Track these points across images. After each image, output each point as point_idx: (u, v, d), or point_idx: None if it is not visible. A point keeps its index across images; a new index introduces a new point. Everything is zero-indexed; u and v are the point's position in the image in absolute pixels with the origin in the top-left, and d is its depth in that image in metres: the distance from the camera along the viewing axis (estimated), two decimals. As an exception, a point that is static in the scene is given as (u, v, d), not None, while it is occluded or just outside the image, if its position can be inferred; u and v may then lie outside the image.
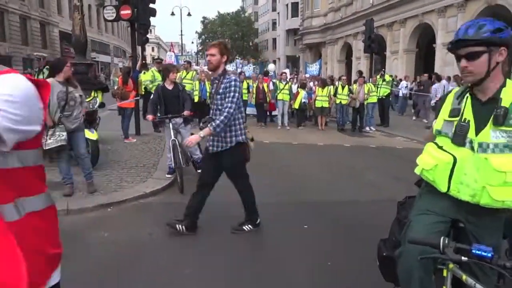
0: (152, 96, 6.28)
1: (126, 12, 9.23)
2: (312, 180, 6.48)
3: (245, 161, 4.30)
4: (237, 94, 3.86)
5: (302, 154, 8.89)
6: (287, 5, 49.55)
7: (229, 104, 3.81)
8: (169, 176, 5.88)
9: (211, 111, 4.06)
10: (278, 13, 53.92)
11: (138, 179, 5.71)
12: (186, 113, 5.88)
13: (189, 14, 48.73)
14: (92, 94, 6.68)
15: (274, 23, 59.13)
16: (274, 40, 58.86)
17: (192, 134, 6.54)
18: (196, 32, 69.27)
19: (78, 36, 8.22)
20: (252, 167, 7.47)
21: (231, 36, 63.12)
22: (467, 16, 18.74)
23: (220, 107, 3.89)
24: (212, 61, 3.90)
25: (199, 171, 6.07)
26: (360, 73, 18.07)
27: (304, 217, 4.66)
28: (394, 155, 9.21)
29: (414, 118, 15.67)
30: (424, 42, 24.81)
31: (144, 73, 12.34)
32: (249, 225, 4.29)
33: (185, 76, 12.42)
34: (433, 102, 14.23)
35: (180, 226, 4.07)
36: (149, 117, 6.03)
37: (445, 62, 20.38)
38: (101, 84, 7.77)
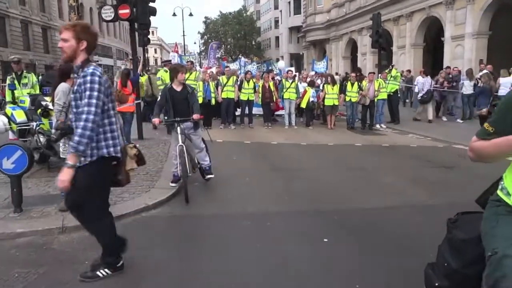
0: (159, 98, 5.80)
1: (124, 11, 8.85)
2: (326, 184, 6.05)
3: (116, 184, 3.28)
4: (96, 93, 2.77)
5: (312, 156, 8.47)
6: (289, 2, 49.01)
7: (86, 109, 2.73)
8: (173, 185, 5.48)
9: (71, 118, 3.03)
10: (280, 11, 53.40)
11: (140, 189, 5.32)
12: (195, 116, 5.45)
13: (190, 15, 48.38)
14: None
15: (276, 21, 58.69)
16: (277, 38, 58.40)
17: (203, 140, 6.19)
18: (199, 32, 69.10)
19: (75, 38, 7.84)
20: (260, 171, 7.14)
21: (233, 36, 62.82)
22: (476, 8, 18.23)
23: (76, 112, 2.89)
24: (64, 49, 2.89)
25: (209, 176, 5.70)
26: (359, 70, 17.56)
27: (322, 229, 4.24)
28: (408, 154, 8.75)
29: (444, 119, 13.94)
30: (432, 35, 24.23)
31: (143, 75, 11.97)
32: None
33: (188, 77, 12.00)
34: (420, 95, 14.01)
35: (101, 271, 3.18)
36: (155, 120, 5.62)
37: (454, 55, 19.86)
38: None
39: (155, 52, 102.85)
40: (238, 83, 12.48)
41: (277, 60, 45.58)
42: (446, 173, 6.89)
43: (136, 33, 10.12)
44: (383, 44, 14.69)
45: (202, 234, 4.15)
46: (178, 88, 5.58)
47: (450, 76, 14.08)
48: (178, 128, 5.39)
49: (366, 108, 12.38)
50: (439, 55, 22.34)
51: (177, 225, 4.41)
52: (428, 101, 13.59)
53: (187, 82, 12.07)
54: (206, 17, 67.40)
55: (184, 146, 5.34)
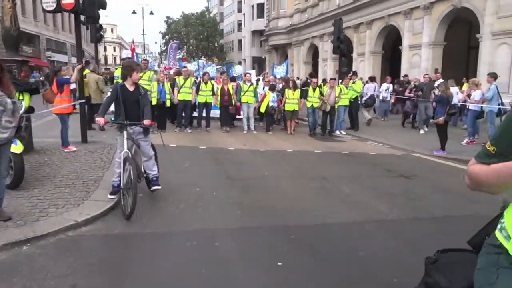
0: (108, 95, 5.00)
1: (68, 1, 8.02)
2: (283, 196, 5.62)
3: None
4: None
5: (270, 163, 8.04)
6: (252, 6, 48.89)
7: None
8: (112, 197, 4.82)
9: None
10: (244, 14, 53.15)
11: (71, 202, 4.63)
12: (146, 122, 4.81)
13: (151, 13, 47.31)
14: (17, 96, 5.50)
15: (239, 24, 58.40)
16: (240, 41, 58.10)
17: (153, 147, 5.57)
18: (160, 32, 67.43)
19: (8, 29, 6.98)
20: (213, 180, 6.59)
21: (195, 37, 61.82)
22: (433, 18, 18.71)
23: None
24: None
25: (155, 188, 5.09)
26: (310, 75, 17.50)
27: (278, 250, 3.78)
28: (368, 162, 8.56)
29: (422, 131, 12.65)
30: (390, 44, 24.77)
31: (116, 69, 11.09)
32: None
33: (142, 77, 11.24)
34: (364, 99, 14.76)
35: None
36: (100, 120, 4.80)
37: (411, 64, 20.30)
38: (28, 85, 6.54)
39: (114, 50, 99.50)
40: (196, 84, 11.87)
41: (239, 63, 45.15)
42: (406, 183, 6.69)
43: (87, 28, 9.25)
44: (344, 50, 14.62)
45: (138, 258, 3.56)
46: (131, 88, 4.93)
47: (413, 84, 14.22)
48: (125, 133, 4.75)
49: (326, 114, 12.18)
50: (396, 63, 22.84)
51: (109, 247, 3.79)
52: (371, 105, 14.52)
53: (140, 82, 11.46)
54: (168, 17, 66.00)
55: (129, 153, 4.71)
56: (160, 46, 67.65)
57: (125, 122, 4.72)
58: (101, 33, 15.23)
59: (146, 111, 4.88)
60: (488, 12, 15.47)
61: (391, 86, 16.04)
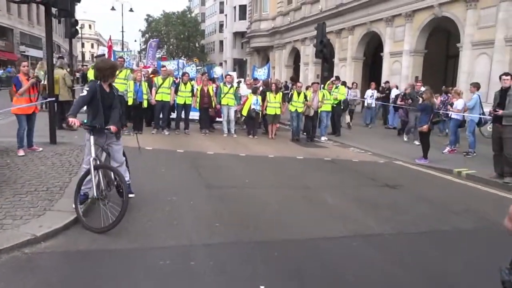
0: (84, 94, 4.37)
1: (38, -8, 7.47)
2: (265, 207, 5.30)
3: None
4: None
5: (251, 170, 7.71)
6: (234, 7, 48.60)
7: None
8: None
9: None
10: (226, 15, 52.78)
11: (31, 212, 4.16)
12: (113, 128, 4.35)
13: (131, 10, 46.17)
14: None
15: (221, 25, 58.05)
16: (221, 42, 57.70)
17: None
18: (140, 30, 66.19)
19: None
20: (190, 188, 6.18)
21: (176, 36, 60.98)
22: (414, 27, 18.84)
23: None
24: None
25: (131, 195, 4.68)
26: (292, 79, 17.32)
27: (259, 270, 3.45)
28: (351, 169, 8.35)
29: (405, 138, 12.35)
30: (371, 50, 24.89)
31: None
32: None
33: (117, 75, 10.73)
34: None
35: None
36: (73, 120, 4.13)
37: (392, 71, 20.40)
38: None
39: (92, 47, 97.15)
40: (175, 85, 11.42)
41: (220, 64, 44.75)
42: (390, 194, 6.49)
43: (59, 22, 8.67)
44: (327, 55, 14.46)
45: (104, 279, 3.16)
46: (107, 89, 4.48)
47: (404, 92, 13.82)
48: (92, 138, 4.30)
49: (310, 119, 11.93)
50: (377, 69, 22.96)
51: (70, 266, 3.37)
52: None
53: (116, 81, 10.88)
54: (148, 15, 65.03)
55: (97, 160, 4.29)
56: (140, 44, 66.52)
57: (97, 126, 4.30)
58: (77, 28, 14.59)
59: (114, 115, 4.46)
60: (469, 22, 15.65)
61: (375, 92, 15.94)
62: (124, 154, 5.18)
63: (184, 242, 3.93)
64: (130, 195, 4.65)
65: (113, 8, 45.60)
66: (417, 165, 9.13)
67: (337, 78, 15.32)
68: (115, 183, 4.76)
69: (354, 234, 4.46)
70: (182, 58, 48.70)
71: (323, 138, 12.30)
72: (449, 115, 10.66)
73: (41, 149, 6.91)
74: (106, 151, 4.55)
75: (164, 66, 12.07)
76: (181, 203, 5.18)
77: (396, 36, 20.03)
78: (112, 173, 4.47)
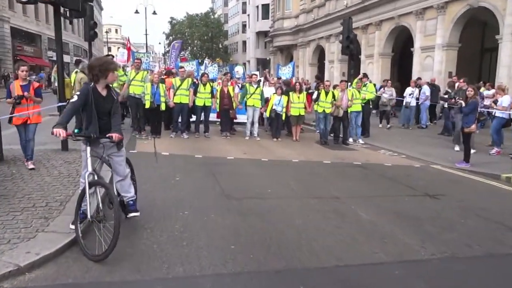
0: (74, 99, 3.81)
1: (46, -8, 7.09)
2: (288, 223, 4.64)
3: None
4: None
5: (273, 177, 7.06)
6: (257, 7, 48.04)
7: None
8: (74, 227, 3.82)
9: None
10: (248, 15, 52.32)
11: (22, 234, 3.66)
12: (115, 136, 3.75)
13: (154, 13, 46.41)
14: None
15: (244, 26, 57.70)
16: (244, 42, 57.33)
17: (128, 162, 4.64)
18: (164, 33, 66.74)
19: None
20: (206, 199, 5.26)
21: (199, 38, 61.02)
22: (447, 19, 17.68)
23: None
24: None
25: (132, 215, 4.11)
26: (317, 78, 16.31)
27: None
28: (384, 176, 7.57)
29: (457, 148, 9.85)
30: (399, 45, 23.73)
31: (76, 72, 10.12)
32: None
33: (134, 77, 10.35)
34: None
35: None
36: (57, 131, 3.52)
37: (423, 67, 19.27)
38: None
39: (118, 50, 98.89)
40: (194, 86, 10.92)
41: (244, 64, 44.32)
42: (432, 205, 5.69)
43: (70, 23, 8.30)
44: (354, 51, 13.61)
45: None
46: (103, 92, 3.87)
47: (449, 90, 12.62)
48: (88, 149, 3.77)
49: (339, 120, 11.13)
50: (406, 65, 21.80)
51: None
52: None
53: (133, 83, 10.53)
54: (172, 18, 65.40)
55: (95, 175, 3.75)
56: (164, 47, 66.99)
57: (92, 135, 3.74)
58: (95, 31, 14.32)
59: (115, 121, 3.88)
60: (509, 11, 14.43)
61: (416, 90, 14.53)
62: (130, 165, 4.65)
63: (192, 271, 3.33)
64: (134, 214, 4.07)
65: (137, 11, 45.97)
66: (457, 170, 8.25)
67: (365, 75, 14.41)
68: (119, 199, 4.21)
69: (395, 259, 3.75)
70: (206, 59, 48.61)
71: (351, 140, 11.49)
72: (493, 113, 9.64)
73: (32, 166, 6.20)
74: (107, 163, 4.01)
75: (182, 67, 11.56)
76: (194, 218, 4.60)
77: (427, 29, 18.88)
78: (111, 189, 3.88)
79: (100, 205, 3.59)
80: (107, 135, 3.73)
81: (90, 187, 3.62)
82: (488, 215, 5.26)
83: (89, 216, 3.55)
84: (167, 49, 60.92)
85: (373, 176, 7.57)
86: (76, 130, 3.71)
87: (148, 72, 11.12)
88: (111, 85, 3.99)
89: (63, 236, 3.65)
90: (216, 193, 5.72)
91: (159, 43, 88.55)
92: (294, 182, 6.70)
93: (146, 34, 47.12)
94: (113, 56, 10.90)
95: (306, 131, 13.50)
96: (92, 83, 3.81)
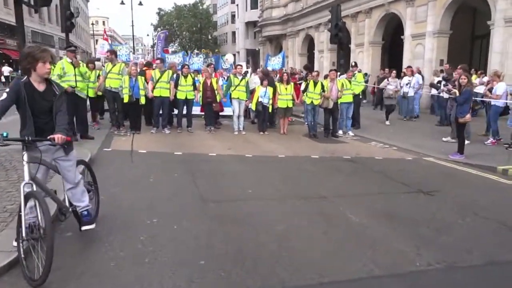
0: (3, 97, 3.19)
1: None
2: (270, 230, 4.16)
3: None
4: None
5: (257, 175, 6.58)
6: (246, -4, 47.19)
7: None
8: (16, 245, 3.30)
9: None
10: (237, 5, 51.41)
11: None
12: (57, 137, 3.13)
13: (140, 4, 45.35)
14: None
15: (233, 16, 56.82)
16: (234, 33, 56.52)
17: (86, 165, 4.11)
18: (152, 24, 65.38)
19: None
20: (180, 203, 4.73)
21: (188, 29, 59.93)
22: (438, 5, 17.22)
23: None
24: None
25: (86, 227, 3.60)
26: (306, 68, 15.51)
27: None
28: (375, 170, 7.13)
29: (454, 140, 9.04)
30: (389, 33, 23.26)
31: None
32: None
33: (111, 70, 9.73)
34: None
35: None
36: None
37: (414, 55, 18.84)
38: None
39: (97, 43, 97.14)
40: (174, 79, 10.34)
41: (234, 55, 43.51)
42: (426, 203, 5.27)
43: (36, 12, 7.64)
44: (342, 39, 13.13)
45: None
46: (40, 87, 3.28)
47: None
48: (26, 155, 3.18)
49: (329, 112, 10.65)
50: (396, 54, 21.36)
51: None
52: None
53: (109, 75, 9.91)
54: (159, 9, 64.16)
55: (34, 185, 3.20)
56: (152, 38, 65.69)
57: (26, 138, 3.18)
58: (72, 21, 13.61)
59: (59, 120, 3.32)
60: (501, -4, 14.00)
61: (414, 79, 13.61)
62: (89, 169, 4.14)
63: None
64: (87, 227, 3.55)
65: (122, 2, 44.86)
66: (451, 162, 7.86)
67: (355, 64, 13.90)
68: (70, 210, 3.67)
69: (388, 272, 3.30)
70: (196, 50, 47.68)
71: (340, 132, 11.04)
72: (489, 102, 9.23)
73: None
74: (55, 169, 3.48)
75: (159, 58, 10.96)
76: (163, 227, 4.10)
77: (418, 16, 18.41)
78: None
79: (40, 219, 3.03)
80: (48, 137, 3.18)
81: (27, 200, 3.08)
82: (487, 214, 4.85)
83: (23, 234, 3.00)
84: (155, 41, 59.85)
85: (363, 171, 7.13)
86: (4, 133, 3.09)
87: (126, 64, 10.49)
88: (50, 78, 3.41)
89: (3, 255, 3.13)
90: (192, 196, 5.23)
91: (147, 35, 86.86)
92: (279, 180, 6.22)
93: (132, 26, 45.97)
94: (75, 47, 10.04)
95: (297, 124, 13.05)
96: (26, 77, 3.25)
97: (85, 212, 3.60)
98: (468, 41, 20.49)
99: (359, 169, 7.28)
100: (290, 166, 7.32)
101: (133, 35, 47.31)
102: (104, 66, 10.54)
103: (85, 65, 9.31)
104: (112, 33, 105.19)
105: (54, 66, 9.67)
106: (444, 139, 9.69)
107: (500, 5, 14.08)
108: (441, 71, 14.37)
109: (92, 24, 72.03)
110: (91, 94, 9.72)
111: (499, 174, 7.01)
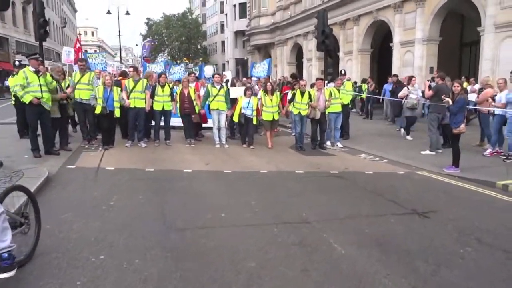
0: None
1: None
2: (235, 267, 3.50)
3: None
4: None
5: (232, 195, 5.90)
6: (234, 5, 47.00)
7: None
8: None
9: None
10: (226, 14, 51.17)
11: None
12: None
13: (127, 13, 44.80)
14: None
15: (222, 26, 56.73)
16: (223, 42, 56.20)
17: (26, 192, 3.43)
18: (140, 34, 64.72)
19: None
20: (137, 233, 3.93)
21: (177, 39, 59.41)
22: (426, 12, 16.93)
23: None
24: None
25: (1, 276, 2.89)
26: (293, 76, 14.81)
27: None
28: (365, 188, 6.50)
29: (424, 152, 9.14)
30: (378, 41, 22.98)
31: (13, 75, 8.91)
32: None
33: (79, 80, 9.05)
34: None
35: None
36: None
37: (403, 62, 18.49)
38: None
39: (63, 49, 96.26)
40: (150, 88, 9.68)
41: (223, 64, 42.89)
42: (422, 228, 4.64)
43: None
44: (329, 46, 12.63)
45: None
46: None
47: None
48: None
49: (316, 123, 10.04)
50: (385, 62, 21.03)
51: None
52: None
53: (78, 86, 9.19)
54: (148, 18, 63.67)
55: None
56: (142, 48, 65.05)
57: None
58: (46, 29, 12.94)
59: None
60: (491, 1, 13.70)
61: (411, 87, 12.95)
62: (30, 197, 3.48)
63: None
64: (3, 275, 2.84)
65: (109, 12, 44.24)
66: (446, 176, 7.30)
67: (344, 72, 13.35)
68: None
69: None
70: (184, 60, 47.03)
71: (328, 143, 10.46)
72: (490, 111, 8.67)
73: None
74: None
75: (132, 66, 10.30)
76: (109, 267, 3.40)
77: (406, 23, 18.10)
78: None
79: None
80: None
81: None
82: (491, 240, 4.24)
83: None
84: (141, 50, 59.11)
85: (351, 188, 6.50)
86: None
87: (96, 73, 9.80)
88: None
89: None
90: (155, 223, 4.54)
91: (136, 45, 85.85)
92: (257, 200, 5.56)
93: (119, 36, 45.30)
94: (39, 55, 9.14)
95: (284, 134, 12.46)
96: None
97: (5, 255, 2.89)
98: (457, 48, 20.26)
99: (347, 186, 6.65)
100: (271, 183, 6.66)
101: (120, 45, 46.66)
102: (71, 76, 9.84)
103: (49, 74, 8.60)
104: (101, 43, 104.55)
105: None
106: (422, 152, 9.15)
107: (489, 11, 13.76)
108: (432, 79, 13.95)
109: (79, 34, 71.15)
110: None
111: (498, 189, 6.44)
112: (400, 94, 11.01)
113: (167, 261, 3.54)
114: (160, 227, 4.42)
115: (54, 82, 8.09)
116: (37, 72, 7.56)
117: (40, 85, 7.53)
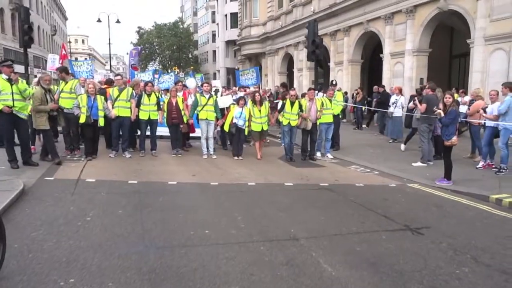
0: None
1: None
2: (221, 290, 3.24)
3: None
4: None
5: (217, 209, 5.63)
6: (226, 15, 47.02)
7: None
8: None
9: None
10: (217, 24, 51.24)
11: None
12: None
13: (117, 21, 44.46)
14: None
15: (214, 35, 56.76)
16: (214, 52, 56.21)
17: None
18: (131, 43, 64.48)
19: None
20: (112, 253, 3.58)
21: (168, 48, 59.29)
22: (416, 24, 16.95)
23: None
24: None
25: None
26: (282, 86, 14.52)
27: None
28: (356, 202, 6.27)
29: (414, 164, 9.04)
30: (368, 52, 23.02)
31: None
32: None
33: (63, 88, 8.75)
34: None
35: None
36: None
37: (393, 73, 18.47)
38: None
39: (48, 56, 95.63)
40: (136, 97, 9.41)
41: (214, 74, 42.71)
42: (416, 246, 4.41)
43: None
44: (320, 56, 12.52)
45: None
46: None
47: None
48: None
49: (307, 134, 9.84)
50: (375, 73, 21.03)
51: None
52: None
53: (62, 95, 8.89)
54: (139, 27, 63.56)
55: None
56: (132, 57, 64.72)
57: None
58: (31, 36, 12.62)
59: None
60: (480, 14, 13.73)
61: (402, 98, 12.94)
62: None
63: None
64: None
65: (99, 20, 43.96)
66: (438, 189, 7.13)
67: (336, 83, 13.22)
68: None
69: None
70: (174, 69, 46.82)
71: (318, 154, 10.26)
72: (482, 123, 8.55)
73: None
74: None
75: (118, 75, 10.04)
76: (79, 292, 3.11)
77: (396, 35, 18.12)
78: None
79: None
80: None
81: None
82: (488, 260, 4.03)
83: None
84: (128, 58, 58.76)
85: (342, 202, 6.28)
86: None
87: (80, 82, 9.50)
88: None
89: None
90: (133, 241, 4.25)
91: (127, 54, 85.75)
92: (243, 215, 5.30)
93: (109, 44, 44.96)
94: (12, 61, 8.66)
95: (274, 145, 12.24)
96: None
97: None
98: (446, 60, 20.36)
99: (337, 199, 6.43)
100: (259, 197, 6.40)
101: (110, 54, 46.32)
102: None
103: (24, 81, 8.23)
104: (92, 51, 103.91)
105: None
106: (414, 164, 9.02)
107: (479, 24, 13.80)
108: (417, 91, 13.85)
109: (69, 42, 70.60)
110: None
111: (492, 204, 6.28)
112: (410, 104, 10.71)
113: (143, 285, 3.26)
114: (138, 245, 4.13)
115: (28, 90, 7.73)
116: (9, 80, 7.24)
117: (13, 93, 7.21)
